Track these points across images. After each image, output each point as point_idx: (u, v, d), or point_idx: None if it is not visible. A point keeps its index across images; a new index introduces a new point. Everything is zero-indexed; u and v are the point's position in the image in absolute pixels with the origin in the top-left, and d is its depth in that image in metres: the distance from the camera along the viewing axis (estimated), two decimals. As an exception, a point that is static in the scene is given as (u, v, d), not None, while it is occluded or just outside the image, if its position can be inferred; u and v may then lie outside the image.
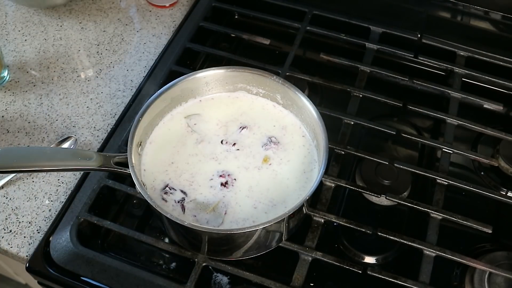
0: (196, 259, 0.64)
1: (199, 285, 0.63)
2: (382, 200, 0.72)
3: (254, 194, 0.61)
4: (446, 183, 0.71)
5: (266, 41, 0.86)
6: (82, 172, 0.73)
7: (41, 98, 0.82)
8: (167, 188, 0.61)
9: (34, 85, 0.84)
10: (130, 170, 0.58)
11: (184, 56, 0.84)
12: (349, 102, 0.79)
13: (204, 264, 0.64)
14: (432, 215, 0.68)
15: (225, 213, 0.60)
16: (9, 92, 0.83)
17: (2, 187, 0.73)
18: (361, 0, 0.91)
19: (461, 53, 0.85)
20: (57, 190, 0.73)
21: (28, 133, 0.78)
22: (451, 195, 0.72)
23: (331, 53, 0.84)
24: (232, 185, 0.62)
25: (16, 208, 0.71)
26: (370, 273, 0.64)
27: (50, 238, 0.67)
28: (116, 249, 0.68)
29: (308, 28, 0.87)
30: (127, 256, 0.68)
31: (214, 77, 0.67)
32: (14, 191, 0.73)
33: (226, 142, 0.65)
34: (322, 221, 0.67)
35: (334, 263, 0.64)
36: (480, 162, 0.77)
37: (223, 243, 0.61)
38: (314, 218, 0.67)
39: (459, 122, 0.77)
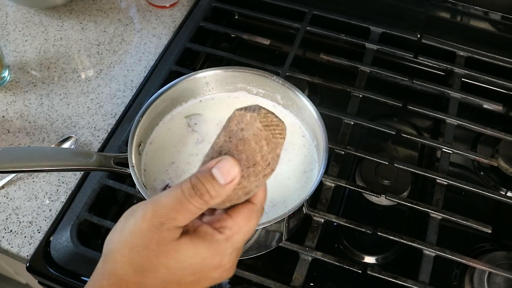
0: (196, 259, 0.64)
1: (199, 284, 0.63)
2: (382, 200, 0.72)
3: (254, 194, 0.61)
4: (446, 183, 0.71)
5: (266, 41, 0.86)
6: (82, 172, 0.73)
7: (41, 98, 0.82)
8: (167, 188, 0.61)
9: (35, 85, 0.84)
10: (130, 170, 0.58)
11: (184, 56, 0.84)
12: (349, 102, 0.79)
13: (204, 264, 0.64)
14: (432, 215, 0.68)
15: (225, 213, 0.60)
16: (9, 92, 0.83)
17: (3, 187, 0.73)
18: (361, 1, 0.91)
19: (461, 53, 0.86)
20: (57, 190, 0.73)
21: (28, 133, 0.78)
22: (451, 195, 0.72)
23: (331, 53, 0.84)
24: (232, 185, 0.62)
25: (17, 208, 0.71)
26: (370, 273, 0.64)
27: (51, 238, 0.67)
28: (116, 249, 0.69)
29: (308, 28, 0.87)
30: (128, 256, 0.68)
31: (214, 77, 0.67)
32: (15, 191, 0.73)
33: (226, 142, 0.65)
34: (322, 221, 0.67)
35: (334, 263, 0.64)
36: (479, 162, 0.77)
37: (223, 243, 0.61)
38: (314, 218, 0.67)
39: (459, 122, 0.77)
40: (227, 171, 0.39)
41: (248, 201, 0.43)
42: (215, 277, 0.43)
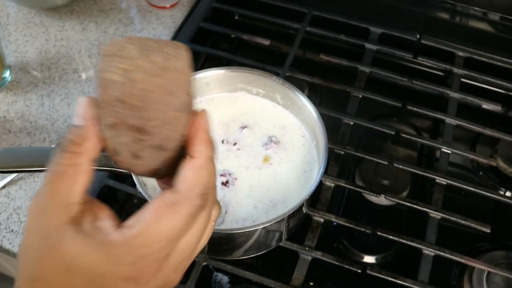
0: (196, 259, 0.64)
1: (199, 284, 0.63)
2: (382, 200, 0.72)
3: (254, 193, 0.62)
4: (445, 183, 0.71)
5: (266, 42, 0.87)
6: (83, 172, 0.73)
7: (42, 98, 0.83)
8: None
9: (36, 86, 0.84)
10: (131, 170, 0.58)
11: (184, 57, 0.84)
12: (349, 103, 0.79)
13: (204, 263, 0.64)
14: (431, 214, 0.69)
15: (226, 213, 0.60)
16: (11, 92, 0.83)
17: (4, 187, 0.73)
18: (360, 1, 0.91)
19: (460, 54, 0.86)
20: (58, 190, 0.73)
21: (29, 133, 0.79)
22: (450, 195, 0.72)
23: (331, 54, 0.85)
24: (233, 185, 0.62)
25: (18, 207, 0.72)
26: (369, 272, 0.64)
27: (52, 238, 0.68)
28: (117, 248, 0.69)
29: (307, 28, 0.87)
30: (128, 255, 0.68)
31: (215, 77, 0.67)
32: (16, 191, 0.73)
33: (227, 142, 0.66)
34: (322, 220, 0.67)
35: (334, 262, 0.65)
36: (478, 162, 0.77)
37: (223, 242, 0.61)
38: (314, 217, 0.67)
39: (458, 122, 0.78)
40: (82, 110, 0.33)
41: (169, 189, 0.34)
42: None
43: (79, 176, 0.33)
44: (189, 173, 0.33)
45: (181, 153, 0.35)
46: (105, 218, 0.34)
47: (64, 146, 0.33)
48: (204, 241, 0.37)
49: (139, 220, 0.32)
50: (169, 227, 0.32)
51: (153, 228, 0.32)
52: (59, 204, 0.32)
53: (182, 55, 0.35)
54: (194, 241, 0.35)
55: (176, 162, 0.36)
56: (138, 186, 0.57)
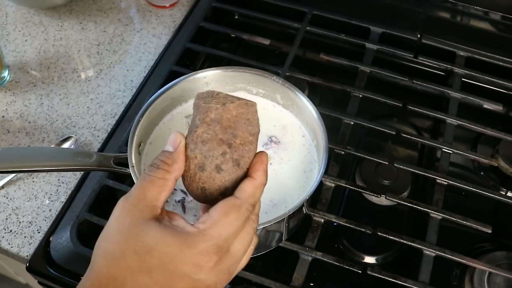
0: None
1: (199, 284, 0.63)
2: (382, 200, 0.72)
3: (254, 194, 0.61)
4: (446, 183, 0.71)
5: (266, 41, 0.86)
6: (82, 172, 0.73)
7: (41, 98, 0.82)
8: (167, 188, 0.61)
9: (35, 85, 0.84)
10: (130, 170, 0.58)
11: (184, 56, 0.84)
12: (349, 102, 0.79)
13: (204, 264, 0.64)
14: (431, 215, 0.68)
15: (225, 213, 0.60)
16: (9, 92, 0.83)
17: (3, 187, 0.73)
18: (361, 1, 0.91)
19: (461, 53, 0.86)
20: (57, 190, 0.73)
21: (28, 133, 0.78)
22: (451, 195, 0.72)
23: (331, 53, 0.84)
24: (232, 185, 0.62)
25: (17, 208, 0.71)
26: (370, 273, 0.64)
27: (51, 238, 0.67)
28: (116, 249, 0.69)
29: (308, 28, 0.87)
30: (127, 256, 0.68)
31: (214, 77, 0.67)
32: (15, 191, 0.73)
33: (226, 142, 0.65)
34: (322, 221, 0.67)
35: (334, 263, 0.64)
36: (479, 162, 0.77)
37: (223, 243, 0.61)
38: (314, 218, 0.67)
39: (459, 122, 0.77)
40: (173, 140, 0.45)
41: (231, 196, 0.43)
42: (194, 278, 0.40)
43: (165, 188, 0.42)
44: (248, 187, 0.44)
45: (234, 185, 0.45)
46: (180, 219, 0.42)
47: (157, 164, 0.43)
48: (246, 257, 0.45)
49: (210, 217, 0.41)
50: (231, 223, 0.41)
51: (221, 222, 0.41)
52: (146, 205, 0.41)
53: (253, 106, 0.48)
54: (242, 248, 0.43)
55: (226, 193, 0.45)
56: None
